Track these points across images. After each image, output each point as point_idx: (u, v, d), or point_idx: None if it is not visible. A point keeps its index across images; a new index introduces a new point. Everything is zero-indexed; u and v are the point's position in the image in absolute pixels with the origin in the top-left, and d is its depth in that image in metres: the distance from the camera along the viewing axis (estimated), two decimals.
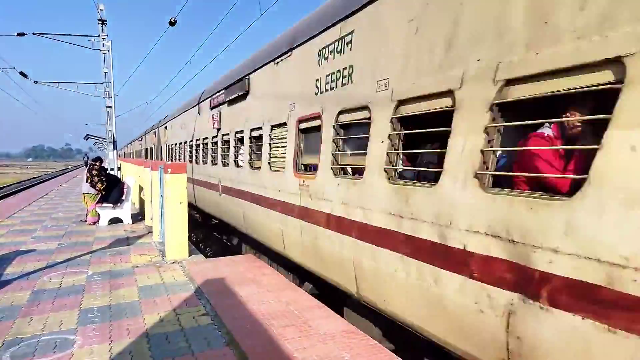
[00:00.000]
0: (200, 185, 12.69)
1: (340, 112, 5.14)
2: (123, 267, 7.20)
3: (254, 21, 10.69)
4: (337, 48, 5.23)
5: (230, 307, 5.31)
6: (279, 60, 7.08)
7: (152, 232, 10.08)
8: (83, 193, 11.77)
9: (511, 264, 2.93)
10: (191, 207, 12.72)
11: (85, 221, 11.68)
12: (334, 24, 5.30)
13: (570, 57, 2.60)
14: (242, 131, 8.91)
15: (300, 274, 7.00)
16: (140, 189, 14.29)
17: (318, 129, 5.64)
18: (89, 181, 11.48)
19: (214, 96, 11.06)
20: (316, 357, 4.00)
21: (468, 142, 3.29)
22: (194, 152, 13.69)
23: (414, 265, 3.83)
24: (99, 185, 11.39)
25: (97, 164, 11.76)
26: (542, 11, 2.79)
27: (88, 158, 12.40)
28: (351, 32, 4.93)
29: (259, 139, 7.99)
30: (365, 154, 4.58)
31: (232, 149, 9.64)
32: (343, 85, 5.07)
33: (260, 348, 4.17)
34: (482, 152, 3.17)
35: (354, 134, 5.05)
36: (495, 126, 3.11)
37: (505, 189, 3.10)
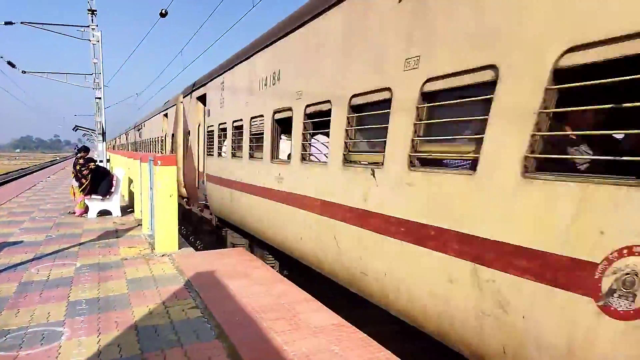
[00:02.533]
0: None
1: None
2: (112, 259, 7.15)
3: (245, 13, 10.60)
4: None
5: (220, 300, 5.30)
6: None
7: (141, 224, 10.01)
8: (71, 185, 11.71)
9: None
10: None
11: (74, 213, 11.58)
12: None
13: None
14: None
15: None
16: (130, 181, 14.19)
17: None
18: (73, 176, 11.43)
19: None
20: (306, 350, 4.00)
21: None
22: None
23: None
24: (83, 180, 11.31)
25: (82, 155, 11.63)
26: None
27: (79, 150, 12.30)
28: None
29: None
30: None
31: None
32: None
33: (249, 341, 4.17)
34: None
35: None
36: None
37: None
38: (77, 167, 11.38)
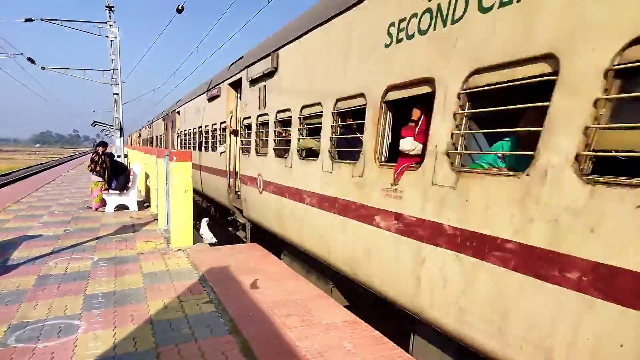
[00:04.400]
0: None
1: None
2: (128, 253, 7.24)
3: (260, 9, 10.62)
4: None
5: (233, 295, 5.34)
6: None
7: (157, 219, 10.12)
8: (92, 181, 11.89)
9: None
10: None
11: (91, 207, 11.75)
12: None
13: None
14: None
15: None
16: (147, 176, 14.36)
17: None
18: (89, 169, 11.56)
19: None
20: (318, 346, 4.01)
21: None
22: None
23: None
24: (98, 168, 11.44)
25: (100, 149, 11.69)
26: None
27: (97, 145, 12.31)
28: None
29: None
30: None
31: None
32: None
33: (262, 336, 4.19)
34: None
35: None
36: None
37: None
38: (96, 159, 11.50)
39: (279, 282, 5.88)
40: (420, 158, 3.87)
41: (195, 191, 14.53)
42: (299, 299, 5.25)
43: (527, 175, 2.80)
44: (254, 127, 8.28)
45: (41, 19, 19.15)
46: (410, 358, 3.92)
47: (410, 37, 3.90)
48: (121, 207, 11.86)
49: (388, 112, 4.39)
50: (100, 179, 11.58)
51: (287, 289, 5.63)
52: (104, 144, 12.04)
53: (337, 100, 5.18)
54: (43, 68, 23.05)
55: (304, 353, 3.87)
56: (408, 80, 3.95)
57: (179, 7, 13.88)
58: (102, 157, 11.55)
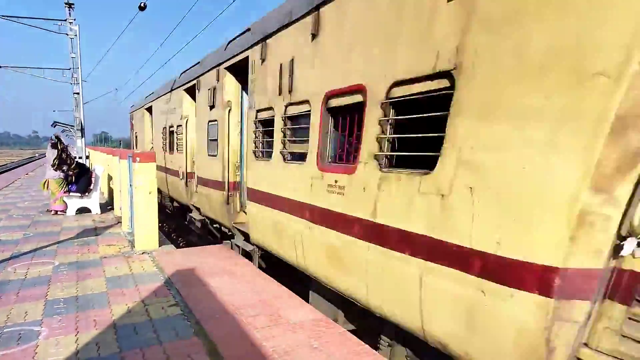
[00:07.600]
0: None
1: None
2: (91, 257, 7.08)
3: (226, 7, 10.54)
4: None
5: (200, 297, 5.31)
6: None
7: (121, 222, 9.92)
8: (47, 180, 11.22)
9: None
10: None
11: (51, 211, 11.33)
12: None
13: None
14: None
15: None
16: (110, 178, 14.02)
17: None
18: (54, 167, 10.96)
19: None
20: (285, 345, 4.05)
21: None
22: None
23: None
24: (64, 167, 10.97)
25: (60, 145, 11.10)
26: None
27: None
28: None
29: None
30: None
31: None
32: None
33: (229, 337, 4.20)
34: None
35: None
36: None
37: None
38: (64, 156, 10.97)
39: (246, 283, 5.87)
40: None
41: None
42: (267, 299, 5.27)
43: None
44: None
45: None
46: (374, 353, 4.01)
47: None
48: (83, 210, 11.54)
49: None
50: (62, 174, 11.03)
51: (255, 289, 5.64)
52: (58, 139, 11.35)
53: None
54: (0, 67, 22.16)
55: (270, 352, 3.90)
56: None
57: (141, 5, 13.62)
58: (68, 153, 11.12)
